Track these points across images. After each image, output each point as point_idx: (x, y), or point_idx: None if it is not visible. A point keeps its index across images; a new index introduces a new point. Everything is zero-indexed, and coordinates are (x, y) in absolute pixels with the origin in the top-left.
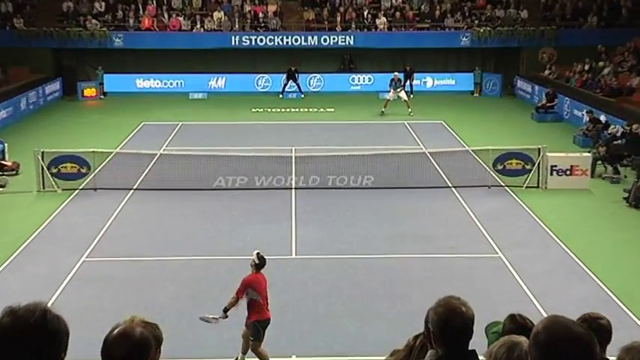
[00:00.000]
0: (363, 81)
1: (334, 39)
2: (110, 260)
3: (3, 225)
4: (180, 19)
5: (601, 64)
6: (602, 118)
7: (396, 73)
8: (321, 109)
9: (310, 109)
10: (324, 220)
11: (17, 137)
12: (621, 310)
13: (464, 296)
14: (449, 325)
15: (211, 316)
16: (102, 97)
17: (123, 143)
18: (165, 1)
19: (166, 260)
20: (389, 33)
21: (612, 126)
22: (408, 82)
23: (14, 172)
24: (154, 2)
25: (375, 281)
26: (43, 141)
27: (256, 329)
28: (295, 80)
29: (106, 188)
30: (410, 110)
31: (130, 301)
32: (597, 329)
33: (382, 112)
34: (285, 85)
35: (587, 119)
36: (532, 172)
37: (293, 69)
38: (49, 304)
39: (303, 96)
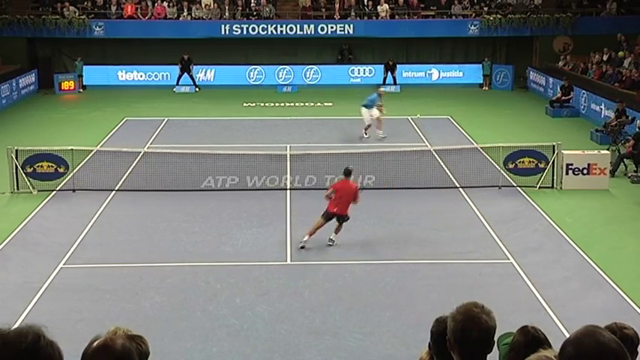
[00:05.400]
0: (364, 73)
1: (332, 28)
2: (90, 267)
3: None
4: (166, 5)
5: (621, 54)
6: None
7: (382, 89)
8: (319, 104)
9: (306, 104)
10: None
11: None
12: None
13: None
14: (465, 335)
15: None
16: (81, 90)
17: (104, 140)
18: None
19: (151, 267)
20: (391, 21)
21: None
22: (390, 75)
23: None
24: None
25: (376, 290)
26: (17, 138)
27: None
28: (189, 72)
29: (85, 189)
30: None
31: (111, 311)
32: (622, 340)
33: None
34: (180, 77)
35: (617, 109)
36: (546, 171)
37: (186, 57)
38: (41, 328)
39: (297, 89)
